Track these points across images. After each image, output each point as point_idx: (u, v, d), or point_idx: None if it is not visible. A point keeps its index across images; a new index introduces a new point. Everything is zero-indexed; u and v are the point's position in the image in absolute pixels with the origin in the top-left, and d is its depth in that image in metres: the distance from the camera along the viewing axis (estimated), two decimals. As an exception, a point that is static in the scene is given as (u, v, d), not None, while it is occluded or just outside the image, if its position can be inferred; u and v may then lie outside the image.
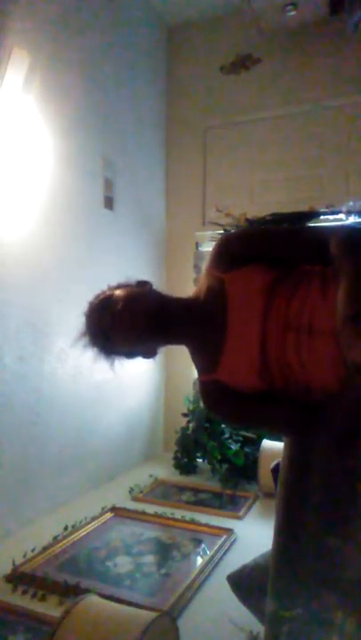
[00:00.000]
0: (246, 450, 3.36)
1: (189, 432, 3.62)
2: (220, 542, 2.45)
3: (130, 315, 1.13)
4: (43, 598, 1.98)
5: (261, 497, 3.08)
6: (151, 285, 1.27)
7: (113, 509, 2.83)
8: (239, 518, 2.78)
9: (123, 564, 2.27)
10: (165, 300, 1.22)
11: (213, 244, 1.26)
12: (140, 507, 2.89)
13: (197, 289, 1.27)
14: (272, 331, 1.13)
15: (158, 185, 4.05)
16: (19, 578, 2.10)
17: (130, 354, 1.23)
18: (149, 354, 1.25)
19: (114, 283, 1.26)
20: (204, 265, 1.28)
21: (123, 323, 1.14)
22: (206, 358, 1.23)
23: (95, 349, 1.20)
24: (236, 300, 1.17)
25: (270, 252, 1.18)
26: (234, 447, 3.38)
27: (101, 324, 1.16)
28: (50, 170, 2.76)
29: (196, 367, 1.28)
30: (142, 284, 1.26)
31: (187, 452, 3.59)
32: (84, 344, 1.20)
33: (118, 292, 1.19)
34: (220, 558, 2.32)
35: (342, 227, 1.30)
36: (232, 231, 1.35)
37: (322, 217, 3.15)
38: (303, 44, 3.64)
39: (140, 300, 1.17)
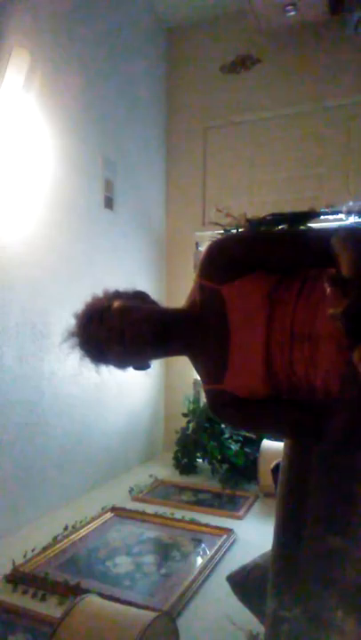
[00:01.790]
0: (246, 450, 3.36)
1: (189, 432, 3.62)
2: (220, 542, 2.45)
3: (127, 333, 1.11)
4: (43, 598, 1.97)
5: (261, 497, 3.08)
6: (149, 298, 1.24)
7: (113, 509, 2.83)
8: (239, 518, 2.78)
9: (123, 564, 2.27)
10: (164, 316, 1.20)
11: (203, 251, 1.21)
12: (140, 507, 2.89)
13: (190, 300, 1.22)
14: (276, 339, 1.11)
15: (158, 185, 4.05)
16: (19, 578, 2.10)
17: (122, 365, 1.21)
18: (142, 367, 1.23)
19: (110, 288, 1.23)
20: (195, 273, 1.23)
21: (119, 340, 1.11)
22: (211, 370, 1.21)
23: (86, 356, 1.18)
24: (236, 312, 1.14)
25: (268, 257, 1.14)
26: (234, 447, 3.38)
27: (97, 337, 1.14)
28: (50, 170, 2.76)
29: (200, 376, 1.27)
30: (140, 296, 1.23)
31: (187, 451, 3.59)
32: (73, 346, 1.18)
33: (117, 305, 1.15)
34: (220, 558, 2.32)
35: (343, 226, 1.26)
36: (219, 238, 1.28)
37: (322, 217, 3.14)
38: (303, 43, 3.64)
39: (139, 317, 1.13)
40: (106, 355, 1.16)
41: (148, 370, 1.26)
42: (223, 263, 1.16)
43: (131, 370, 1.24)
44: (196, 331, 1.19)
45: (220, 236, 1.26)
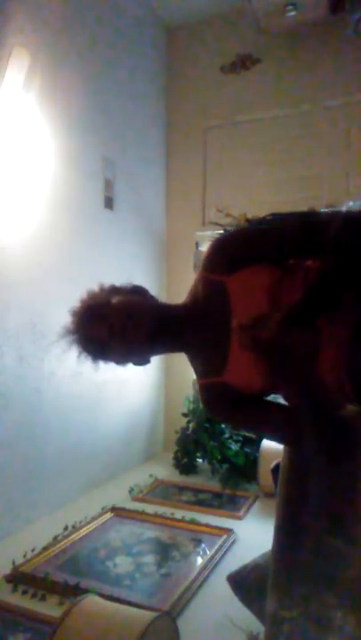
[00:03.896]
0: (246, 450, 3.36)
1: (189, 432, 3.62)
2: (220, 542, 2.45)
3: (129, 330, 1.10)
4: (43, 598, 1.98)
5: (261, 497, 3.08)
6: (148, 293, 1.23)
7: (113, 509, 2.83)
8: (239, 518, 2.78)
9: (123, 564, 2.27)
10: (165, 312, 1.19)
11: (207, 246, 1.21)
12: (140, 507, 2.89)
13: (192, 295, 1.22)
14: None
15: (158, 185, 4.05)
16: (19, 578, 2.10)
17: (121, 362, 1.20)
18: (142, 362, 1.22)
19: (108, 283, 1.22)
20: (198, 269, 1.23)
21: (122, 337, 1.11)
22: (210, 363, 1.20)
23: (83, 353, 1.17)
24: (239, 305, 1.14)
25: (272, 250, 1.15)
26: (234, 447, 3.38)
27: (97, 334, 1.13)
28: (50, 170, 2.76)
29: (197, 371, 1.26)
30: (139, 291, 1.22)
31: (187, 452, 3.59)
32: (71, 343, 1.16)
33: (116, 302, 1.15)
34: (220, 558, 2.32)
35: (342, 212, 1.25)
36: (224, 233, 1.28)
37: (322, 217, 3.14)
38: (303, 44, 3.64)
39: (140, 313, 1.13)
40: (107, 352, 1.15)
41: (148, 367, 1.25)
42: (228, 256, 1.16)
43: (130, 366, 1.23)
44: (198, 325, 1.19)
45: (222, 234, 1.26)
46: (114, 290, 1.21)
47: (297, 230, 1.15)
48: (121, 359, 1.19)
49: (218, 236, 1.25)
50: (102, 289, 1.21)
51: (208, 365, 1.22)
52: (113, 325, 1.11)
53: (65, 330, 1.17)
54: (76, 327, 1.17)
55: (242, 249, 1.17)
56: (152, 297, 1.23)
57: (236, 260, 1.14)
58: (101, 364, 1.20)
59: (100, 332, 1.13)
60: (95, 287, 1.21)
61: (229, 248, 1.18)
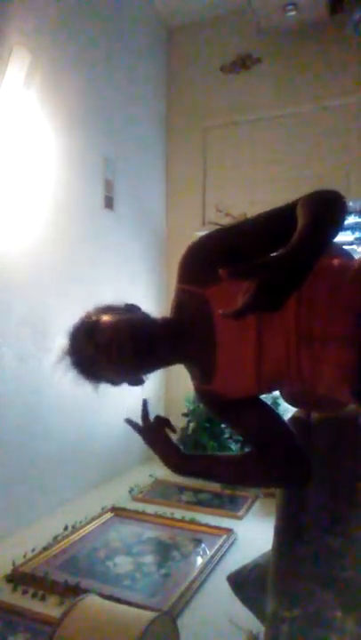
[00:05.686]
0: (246, 450, 3.36)
1: (189, 432, 3.62)
2: (220, 542, 2.45)
3: (114, 348, 1.08)
4: (43, 598, 1.97)
5: (261, 497, 3.07)
6: (140, 311, 1.22)
7: (113, 509, 2.82)
8: (239, 518, 2.78)
9: (123, 564, 2.27)
10: (149, 325, 1.17)
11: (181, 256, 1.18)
12: (140, 507, 2.89)
13: (175, 309, 1.20)
14: (270, 341, 1.08)
15: (158, 185, 4.05)
16: (19, 578, 2.10)
17: (115, 382, 1.20)
18: (136, 382, 1.22)
19: (101, 303, 1.21)
20: (176, 281, 1.21)
21: (107, 355, 1.09)
22: (199, 372, 1.21)
23: (78, 374, 1.17)
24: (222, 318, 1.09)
25: (242, 243, 1.12)
26: (234, 447, 3.38)
27: (85, 352, 1.12)
28: (50, 169, 2.76)
29: (191, 378, 1.27)
30: (132, 310, 1.21)
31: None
32: (67, 365, 1.17)
33: (105, 320, 1.13)
34: (220, 558, 2.31)
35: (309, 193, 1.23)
36: (194, 241, 1.25)
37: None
38: (303, 43, 3.64)
39: (126, 331, 1.10)
40: (95, 371, 1.15)
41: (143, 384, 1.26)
42: (201, 264, 1.14)
43: (125, 386, 1.23)
44: (183, 336, 1.17)
45: (192, 243, 1.23)
46: (107, 309, 1.19)
47: (262, 221, 1.15)
48: (112, 377, 1.18)
49: (188, 245, 1.22)
50: (96, 309, 1.20)
51: (197, 374, 1.23)
52: (98, 344, 1.10)
53: (62, 352, 1.18)
54: (68, 349, 1.17)
55: (213, 251, 1.14)
56: (143, 314, 1.21)
57: (212, 267, 1.06)
58: (98, 385, 1.19)
59: (87, 350, 1.12)
60: (92, 304, 1.21)
61: (201, 255, 1.16)
